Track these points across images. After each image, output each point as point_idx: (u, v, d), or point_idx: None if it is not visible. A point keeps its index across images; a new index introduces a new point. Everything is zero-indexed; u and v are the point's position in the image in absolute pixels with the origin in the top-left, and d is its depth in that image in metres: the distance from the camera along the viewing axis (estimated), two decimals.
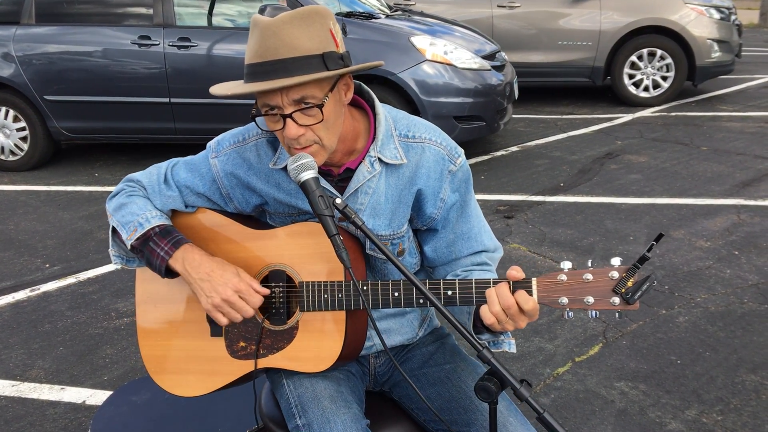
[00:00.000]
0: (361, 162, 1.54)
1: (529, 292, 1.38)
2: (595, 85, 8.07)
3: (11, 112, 6.12)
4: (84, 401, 2.86)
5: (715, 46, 7.59)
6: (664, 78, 7.76)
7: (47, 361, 3.16)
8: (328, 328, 1.51)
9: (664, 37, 7.61)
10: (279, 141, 1.56)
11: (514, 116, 7.68)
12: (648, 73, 7.78)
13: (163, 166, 1.66)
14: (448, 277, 1.63)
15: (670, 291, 3.56)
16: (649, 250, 1.26)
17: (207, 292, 1.47)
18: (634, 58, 7.75)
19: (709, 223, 4.40)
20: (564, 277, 1.37)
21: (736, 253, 3.96)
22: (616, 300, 1.34)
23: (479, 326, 1.48)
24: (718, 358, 2.97)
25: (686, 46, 7.56)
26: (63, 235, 4.69)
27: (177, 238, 1.53)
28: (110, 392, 2.86)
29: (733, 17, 7.98)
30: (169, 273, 1.53)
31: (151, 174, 1.64)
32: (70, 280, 3.99)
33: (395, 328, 1.71)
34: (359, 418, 1.52)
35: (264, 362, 1.54)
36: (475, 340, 1.30)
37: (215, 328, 1.57)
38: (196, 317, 1.59)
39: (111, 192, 1.66)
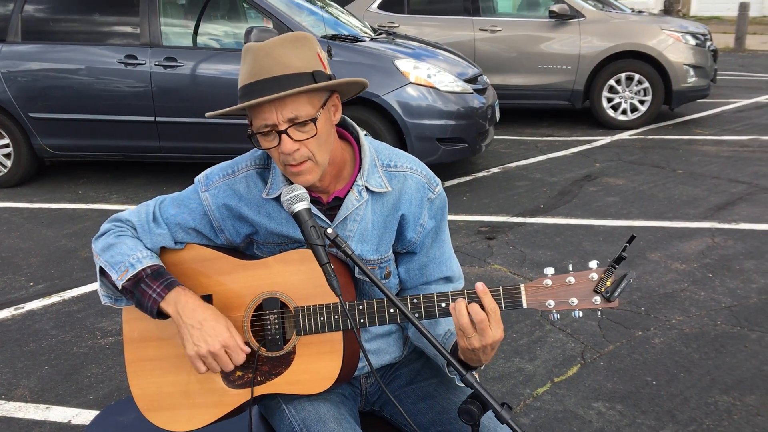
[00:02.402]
0: (349, 191, 1.62)
1: (519, 298, 1.46)
2: (575, 108, 8.22)
3: None
4: (70, 420, 2.88)
5: (691, 72, 7.78)
6: (642, 102, 7.93)
7: (32, 381, 3.18)
8: (325, 349, 1.56)
9: (642, 62, 7.79)
10: (268, 172, 1.63)
11: (495, 137, 7.79)
12: (626, 97, 7.95)
13: (151, 204, 1.69)
14: None
15: (647, 312, 3.65)
16: (623, 251, 1.38)
17: (195, 340, 1.50)
18: (612, 82, 7.91)
19: (684, 246, 4.51)
20: (549, 282, 1.47)
21: (711, 275, 4.07)
22: (598, 299, 1.44)
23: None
24: (692, 379, 3.06)
25: (663, 70, 7.73)
26: (47, 252, 4.70)
27: (169, 281, 1.55)
28: (96, 412, 2.88)
29: (708, 43, 8.18)
30: (160, 315, 1.55)
31: (140, 213, 1.67)
32: (55, 298, 4.01)
33: (384, 348, 1.77)
34: None
35: (262, 389, 1.58)
36: (456, 363, 1.38)
37: None
38: None
39: (97, 232, 1.68)
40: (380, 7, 8.54)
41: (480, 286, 1.44)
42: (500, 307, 1.45)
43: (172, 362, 1.64)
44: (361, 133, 1.68)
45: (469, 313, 1.41)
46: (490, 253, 4.50)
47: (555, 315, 1.47)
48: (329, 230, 1.45)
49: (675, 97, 7.83)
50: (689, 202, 5.38)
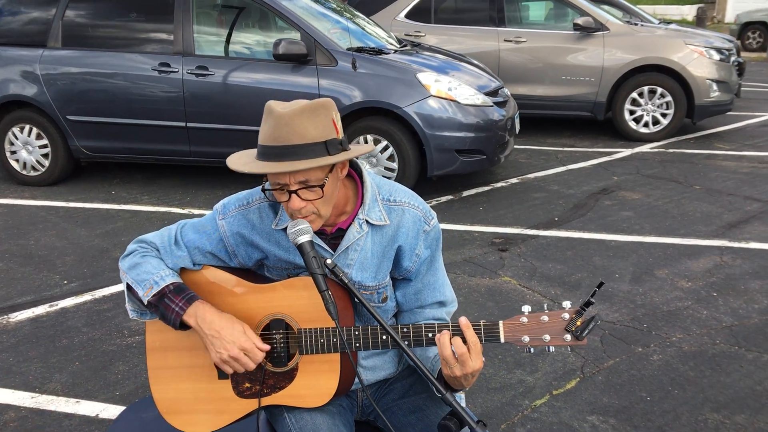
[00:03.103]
0: (351, 223, 1.80)
1: (497, 333, 1.64)
2: (597, 119, 8.31)
3: (34, 130, 6.42)
4: (97, 414, 3.11)
5: (714, 86, 7.84)
6: (664, 115, 8.00)
7: (64, 375, 3.42)
8: (324, 368, 1.76)
9: (665, 75, 7.86)
10: (279, 205, 1.82)
11: (517, 147, 7.93)
12: (648, 110, 8.03)
13: (173, 228, 1.89)
14: None
15: (648, 329, 3.78)
16: (592, 296, 1.55)
17: (217, 348, 1.70)
18: (635, 94, 8.00)
19: (692, 264, 4.62)
20: (525, 320, 1.64)
21: (715, 294, 4.18)
22: (568, 337, 1.62)
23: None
24: (685, 396, 3.20)
25: (686, 85, 7.81)
26: (80, 252, 4.96)
27: (190, 295, 1.76)
28: (122, 407, 3.11)
29: (732, 58, 8.22)
30: (182, 326, 1.75)
31: (163, 236, 1.87)
32: (87, 297, 4.26)
33: (379, 365, 1.96)
34: None
35: (268, 400, 1.78)
36: (438, 384, 1.57)
37: (222, 372, 1.81)
38: (204, 362, 1.82)
39: (124, 251, 1.88)
40: (407, 16, 8.70)
41: (463, 321, 1.61)
42: (480, 340, 1.62)
43: (189, 371, 1.85)
44: (364, 170, 1.86)
45: (451, 345, 1.59)
46: (502, 265, 4.65)
47: (530, 349, 1.64)
48: (329, 261, 1.65)
49: (697, 111, 7.89)
50: (702, 219, 5.47)
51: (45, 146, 6.46)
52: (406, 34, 8.38)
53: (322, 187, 1.65)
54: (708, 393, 3.22)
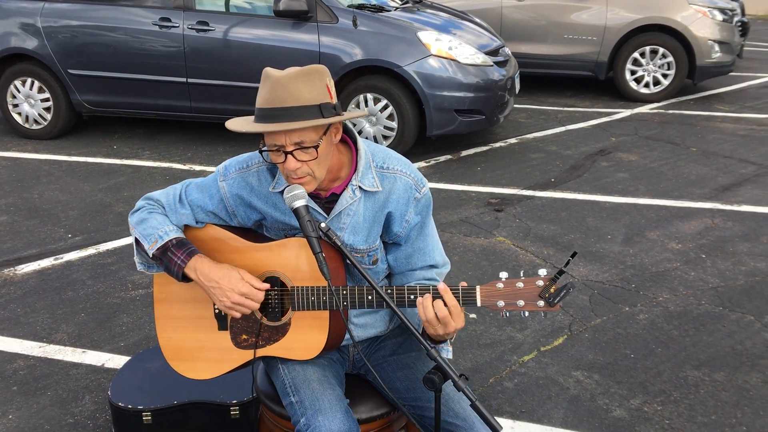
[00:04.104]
0: (344, 189, 1.88)
1: (474, 297, 1.72)
2: (599, 79, 8.31)
3: (36, 83, 6.46)
4: (103, 364, 3.24)
5: (716, 47, 7.82)
6: (665, 75, 8.01)
7: (70, 326, 3.54)
8: (315, 324, 1.86)
9: (667, 35, 7.85)
10: (276, 168, 1.90)
11: (517, 106, 7.95)
12: (649, 70, 8.03)
13: (178, 187, 1.99)
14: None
15: (636, 290, 3.90)
16: (565, 266, 1.63)
17: (219, 297, 1.81)
18: (636, 54, 7.99)
19: (683, 226, 4.71)
20: (501, 285, 1.72)
21: (703, 256, 4.28)
22: (541, 303, 1.70)
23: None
24: (668, 354, 3.32)
25: (688, 45, 7.79)
26: (84, 206, 5.06)
27: (190, 249, 1.86)
28: (126, 357, 3.24)
29: (736, 18, 8.18)
30: (185, 278, 1.86)
31: (168, 194, 1.97)
32: (91, 250, 4.36)
33: (370, 323, 2.06)
34: (341, 397, 1.89)
35: (262, 351, 1.90)
36: (424, 340, 1.67)
37: (222, 323, 1.92)
38: (205, 314, 1.94)
39: (133, 207, 1.98)
40: None
41: (441, 286, 1.71)
42: (458, 303, 1.72)
43: (192, 322, 1.96)
44: (359, 137, 1.94)
45: (434, 308, 1.69)
46: (497, 225, 4.75)
47: (505, 313, 1.73)
48: (323, 224, 1.74)
49: (698, 72, 7.89)
50: (696, 181, 5.55)
51: (47, 100, 6.50)
52: None
53: (316, 148, 1.72)
54: (690, 351, 3.34)
